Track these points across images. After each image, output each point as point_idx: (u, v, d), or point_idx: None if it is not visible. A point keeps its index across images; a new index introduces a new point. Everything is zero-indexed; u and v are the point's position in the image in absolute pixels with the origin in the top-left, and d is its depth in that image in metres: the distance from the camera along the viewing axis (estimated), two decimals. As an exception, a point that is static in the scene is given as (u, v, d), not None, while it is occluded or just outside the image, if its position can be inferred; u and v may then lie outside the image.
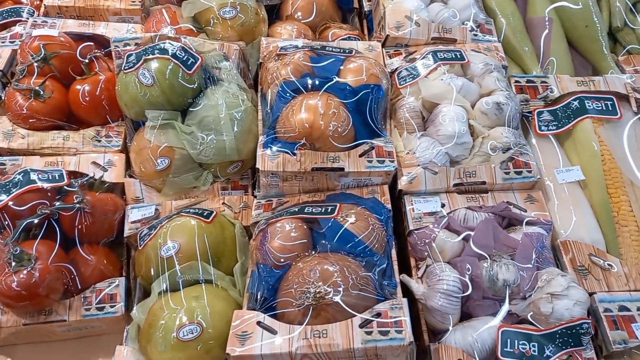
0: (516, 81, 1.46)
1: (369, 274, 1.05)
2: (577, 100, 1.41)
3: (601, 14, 1.74)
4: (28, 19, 1.64)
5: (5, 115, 1.41)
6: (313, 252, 1.09)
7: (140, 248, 1.23)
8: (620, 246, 1.23)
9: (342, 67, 1.36)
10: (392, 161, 1.24)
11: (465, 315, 1.09)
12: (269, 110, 1.34)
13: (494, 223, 1.17)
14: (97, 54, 1.46)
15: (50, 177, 1.26)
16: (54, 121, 1.40)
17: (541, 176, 1.30)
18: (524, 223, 1.20)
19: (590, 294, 1.10)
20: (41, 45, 1.42)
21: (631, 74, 1.56)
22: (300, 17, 1.73)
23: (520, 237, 1.15)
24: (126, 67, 1.31)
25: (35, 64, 1.41)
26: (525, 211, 1.23)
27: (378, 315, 0.97)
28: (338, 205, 1.19)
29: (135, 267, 1.26)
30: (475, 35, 1.54)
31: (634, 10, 1.76)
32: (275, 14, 1.81)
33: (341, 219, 1.14)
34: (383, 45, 1.53)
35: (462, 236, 1.15)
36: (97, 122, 1.44)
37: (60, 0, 1.68)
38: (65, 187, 1.26)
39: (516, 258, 1.11)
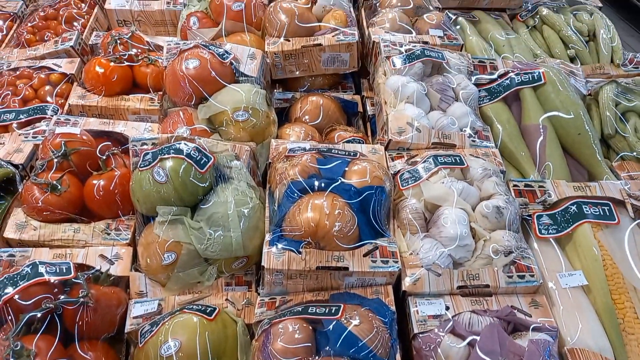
0: (514, 185, 1.51)
1: (373, 380, 1.02)
2: (575, 205, 1.45)
3: (592, 122, 1.84)
4: (52, 116, 1.75)
5: (20, 208, 1.46)
6: (316, 357, 1.07)
7: (140, 345, 1.21)
8: (628, 355, 1.21)
9: (347, 169, 1.42)
10: (396, 262, 1.26)
11: None
12: (275, 209, 1.38)
13: (499, 328, 1.16)
14: (115, 152, 1.54)
15: (58, 270, 1.28)
16: (67, 214, 1.44)
17: (544, 280, 1.31)
18: (530, 329, 1.19)
19: (602, 408, 1.07)
20: (62, 142, 1.50)
21: (626, 180, 1.63)
22: (308, 120, 1.84)
23: (527, 343, 1.14)
24: (142, 165, 1.37)
25: (55, 160, 1.48)
26: (530, 316, 1.22)
27: None
28: (342, 305, 1.19)
29: (133, 366, 1.23)
30: (474, 141, 1.63)
31: (623, 119, 1.87)
32: (284, 116, 1.93)
33: (345, 321, 1.14)
34: (386, 148, 1.61)
35: (467, 341, 1.14)
36: (109, 216, 1.48)
37: (84, 100, 1.80)
38: (71, 279, 1.27)
39: (523, 367, 1.09)
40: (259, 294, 1.34)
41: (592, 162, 1.72)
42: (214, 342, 1.19)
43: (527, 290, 1.28)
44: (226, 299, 1.35)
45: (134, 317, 1.30)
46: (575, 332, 1.23)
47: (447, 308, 1.23)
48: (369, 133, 1.91)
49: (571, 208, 1.45)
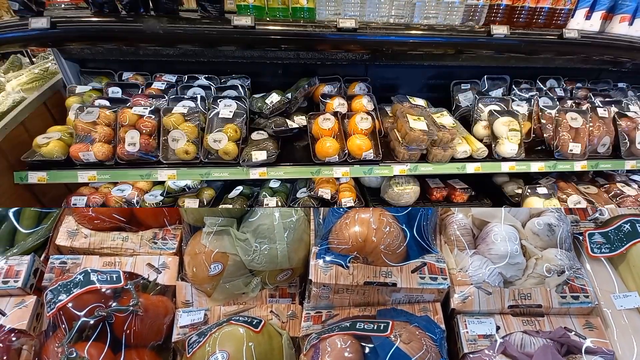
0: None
1: (426, 401, 1.01)
2: (629, 224, 1.40)
3: None
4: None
5: (71, 215, 1.49)
6: (369, 375, 1.06)
7: (188, 355, 1.22)
8: (689, 382, 1.16)
9: (393, 183, 1.41)
10: (445, 278, 1.24)
11: None
12: (321, 221, 1.38)
13: (553, 350, 1.13)
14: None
15: (109, 278, 1.30)
16: (116, 223, 1.47)
17: (598, 301, 1.27)
18: (584, 351, 1.15)
19: None
20: (112, 151, 1.53)
21: (680, 197, 1.57)
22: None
23: (583, 368, 1.10)
24: (190, 176, 1.39)
25: (105, 169, 1.52)
26: (585, 338, 1.19)
27: None
28: (390, 322, 1.17)
29: (181, 376, 1.24)
30: (521, 155, 1.60)
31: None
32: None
33: (394, 338, 1.12)
34: (430, 162, 1.60)
35: (521, 364, 1.11)
36: (156, 225, 1.50)
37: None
38: (121, 287, 1.29)
39: (580, 392, 1.06)
40: (302, 306, 1.33)
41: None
42: (260, 354, 1.19)
43: (581, 311, 1.24)
44: (271, 311, 1.35)
45: (181, 327, 1.31)
46: (631, 355, 1.18)
47: (498, 328, 1.20)
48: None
49: (624, 226, 1.40)
